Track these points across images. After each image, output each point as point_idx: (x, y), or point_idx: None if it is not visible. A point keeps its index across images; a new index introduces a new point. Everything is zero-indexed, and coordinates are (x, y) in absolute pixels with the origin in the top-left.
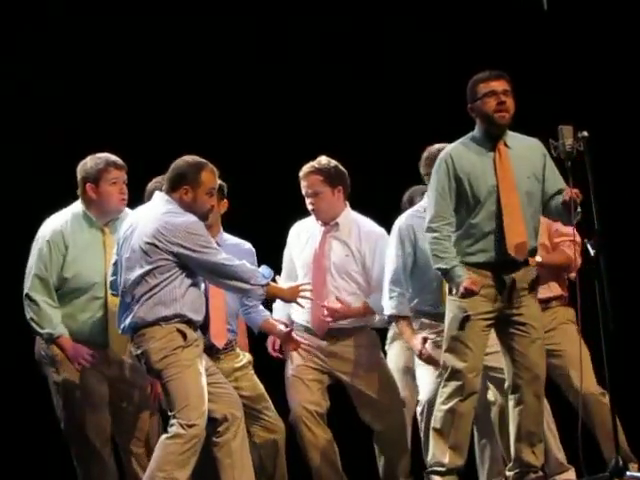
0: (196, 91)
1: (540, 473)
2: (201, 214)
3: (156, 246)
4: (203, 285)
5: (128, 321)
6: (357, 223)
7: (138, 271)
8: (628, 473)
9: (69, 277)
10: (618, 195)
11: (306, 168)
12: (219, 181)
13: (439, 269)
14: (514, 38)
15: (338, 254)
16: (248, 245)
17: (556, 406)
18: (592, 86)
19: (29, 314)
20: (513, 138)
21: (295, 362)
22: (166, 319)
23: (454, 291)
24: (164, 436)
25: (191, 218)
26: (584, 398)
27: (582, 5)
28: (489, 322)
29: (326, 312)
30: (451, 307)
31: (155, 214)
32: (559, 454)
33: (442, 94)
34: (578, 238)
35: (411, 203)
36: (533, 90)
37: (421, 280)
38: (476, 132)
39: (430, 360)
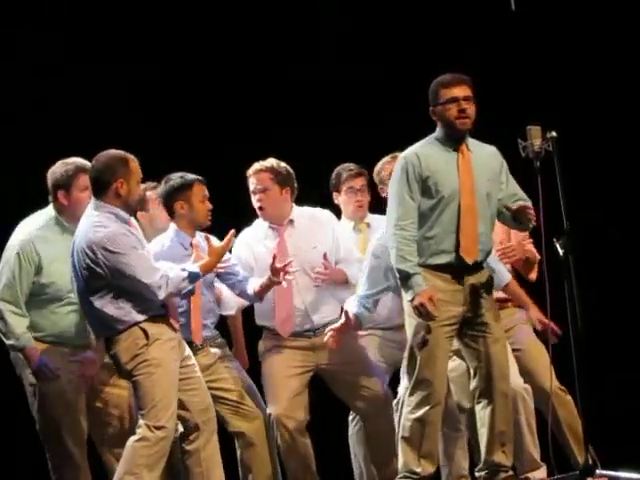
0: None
1: (510, 472)
2: (135, 205)
3: (92, 269)
4: None
5: (98, 333)
6: (308, 216)
7: (86, 295)
8: (598, 471)
9: (46, 283)
10: (587, 195)
11: (256, 166)
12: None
13: (400, 270)
14: (482, 38)
15: (304, 249)
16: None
17: None
18: (560, 86)
19: None
20: (473, 144)
21: (276, 368)
22: (124, 330)
23: (409, 297)
24: (132, 438)
25: (113, 229)
26: (548, 395)
27: (550, 6)
28: (453, 327)
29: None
30: (414, 314)
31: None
32: (535, 452)
33: (408, 95)
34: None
35: None
36: (501, 90)
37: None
38: (438, 134)
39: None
